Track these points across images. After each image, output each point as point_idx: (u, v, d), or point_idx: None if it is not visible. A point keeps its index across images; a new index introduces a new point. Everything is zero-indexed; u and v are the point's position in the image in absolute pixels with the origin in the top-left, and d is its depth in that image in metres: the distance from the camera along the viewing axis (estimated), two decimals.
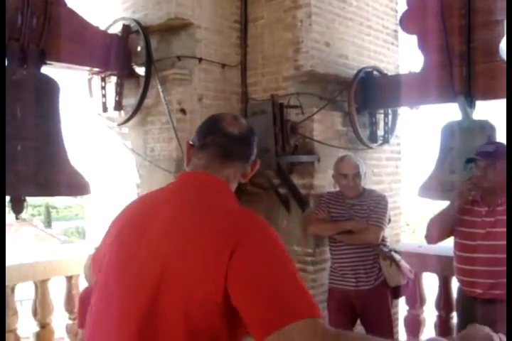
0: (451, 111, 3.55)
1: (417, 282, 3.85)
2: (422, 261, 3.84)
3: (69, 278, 3.96)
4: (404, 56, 4.95)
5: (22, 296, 4.17)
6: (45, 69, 3.13)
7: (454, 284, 3.42)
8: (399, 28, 4.16)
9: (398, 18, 4.03)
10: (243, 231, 1.21)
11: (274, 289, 1.12)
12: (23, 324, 3.73)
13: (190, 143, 1.47)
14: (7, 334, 3.49)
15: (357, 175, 3.44)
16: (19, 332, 3.62)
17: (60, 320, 3.92)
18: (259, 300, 1.11)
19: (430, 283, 4.00)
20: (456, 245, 3.03)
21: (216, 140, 1.41)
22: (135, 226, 1.35)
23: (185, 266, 1.19)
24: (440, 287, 3.82)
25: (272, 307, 1.09)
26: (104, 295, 1.34)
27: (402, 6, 3.77)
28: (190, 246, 1.21)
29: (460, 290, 3.11)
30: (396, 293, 3.49)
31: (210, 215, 1.27)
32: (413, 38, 3.61)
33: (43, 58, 3.09)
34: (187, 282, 1.17)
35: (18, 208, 2.85)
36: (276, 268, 1.17)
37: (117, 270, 1.32)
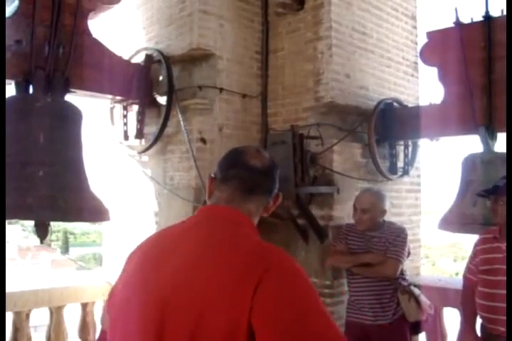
0: (472, 143, 3.52)
1: (437, 317, 3.75)
2: (442, 296, 3.75)
3: (84, 305, 3.96)
4: (425, 88, 4.95)
5: (37, 322, 4.16)
6: (68, 97, 3.19)
7: (478, 320, 3.32)
8: (419, 60, 4.17)
9: (418, 50, 4.05)
10: (268, 264, 1.18)
11: (302, 323, 1.10)
12: None
13: (212, 175, 1.44)
14: None
15: (365, 211, 3.40)
16: None
17: None
18: (289, 335, 1.08)
19: (452, 319, 3.89)
20: (479, 281, 2.96)
21: (239, 173, 1.37)
22: (154, 261, 1.31)
23: (204, 299, 1.15)
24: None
25: None
26: (114, 333, 1.32)
27: (422, 38, 3.80)
28: (212, 280, 1.17)
29: (483, 328, 3.02)
30: (416, 328, 3.40)
31: (233, 249, 1.24)
32: (433, 70, 3.62)
33: (67, 86, 3.15)
34: (205, 315, 1.14)
35: (42, 233, 2.86)
36: (302, 302, 1.15)
37: (133, 303, 1.28)
